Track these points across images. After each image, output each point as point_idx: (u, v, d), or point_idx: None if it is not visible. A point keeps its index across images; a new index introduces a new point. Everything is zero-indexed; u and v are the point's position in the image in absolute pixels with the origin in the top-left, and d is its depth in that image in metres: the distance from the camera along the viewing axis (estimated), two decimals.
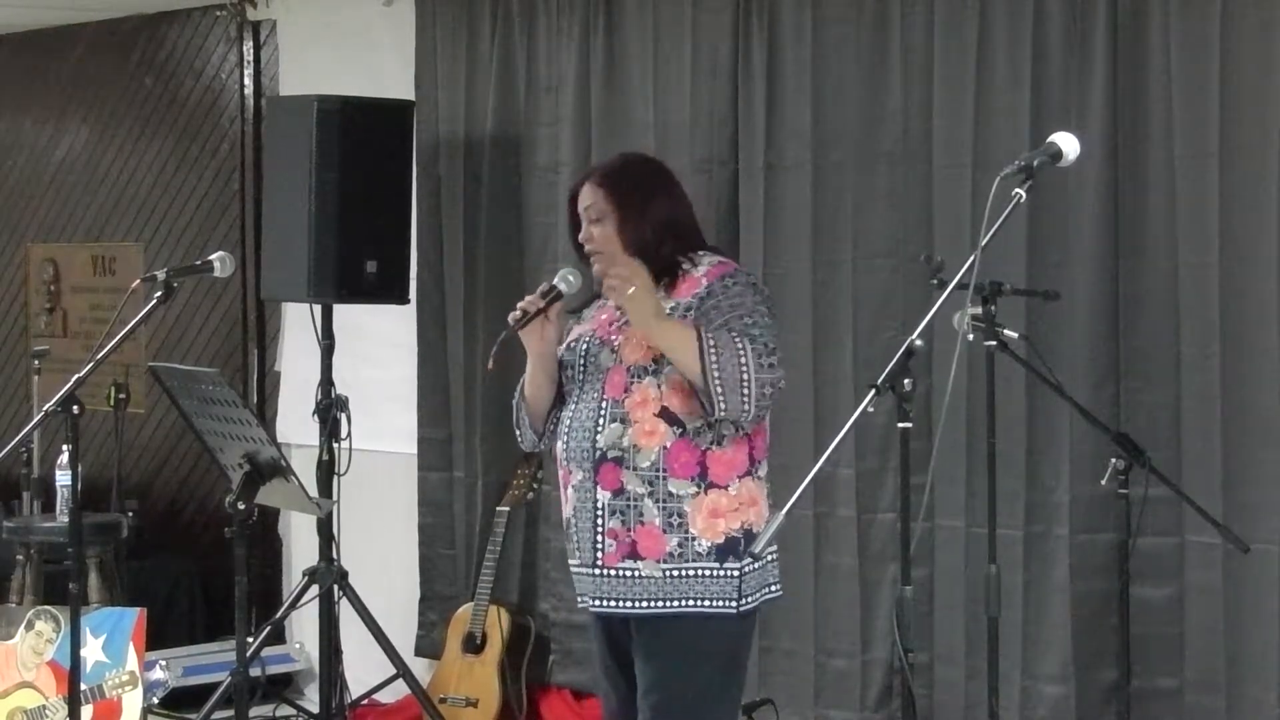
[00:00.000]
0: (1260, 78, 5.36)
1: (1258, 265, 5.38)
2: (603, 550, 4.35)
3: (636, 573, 4.34)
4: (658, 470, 4.32)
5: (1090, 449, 5.60)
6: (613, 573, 4.36)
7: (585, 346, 4.46)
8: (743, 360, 4.25)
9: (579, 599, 4.48)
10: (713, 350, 4.24)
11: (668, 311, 4.36)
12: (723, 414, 4.26)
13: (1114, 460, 5.23)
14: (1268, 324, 5.37)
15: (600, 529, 4.36)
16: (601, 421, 4.36)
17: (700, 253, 4.48)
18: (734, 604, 4.34)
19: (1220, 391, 5.44)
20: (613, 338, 4.41)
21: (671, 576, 4.33)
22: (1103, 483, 5.29)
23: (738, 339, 4.27)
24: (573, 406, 4.44)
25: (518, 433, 4.63)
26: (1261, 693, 5.41)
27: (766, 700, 6.27)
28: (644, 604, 4.34)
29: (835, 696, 6.26)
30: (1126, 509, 5.24)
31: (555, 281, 4.49)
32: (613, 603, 4.37)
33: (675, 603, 4.33)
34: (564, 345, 4.52)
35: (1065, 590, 5.72)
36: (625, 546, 4.34)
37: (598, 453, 4.35)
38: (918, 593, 5.19)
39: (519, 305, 4.46)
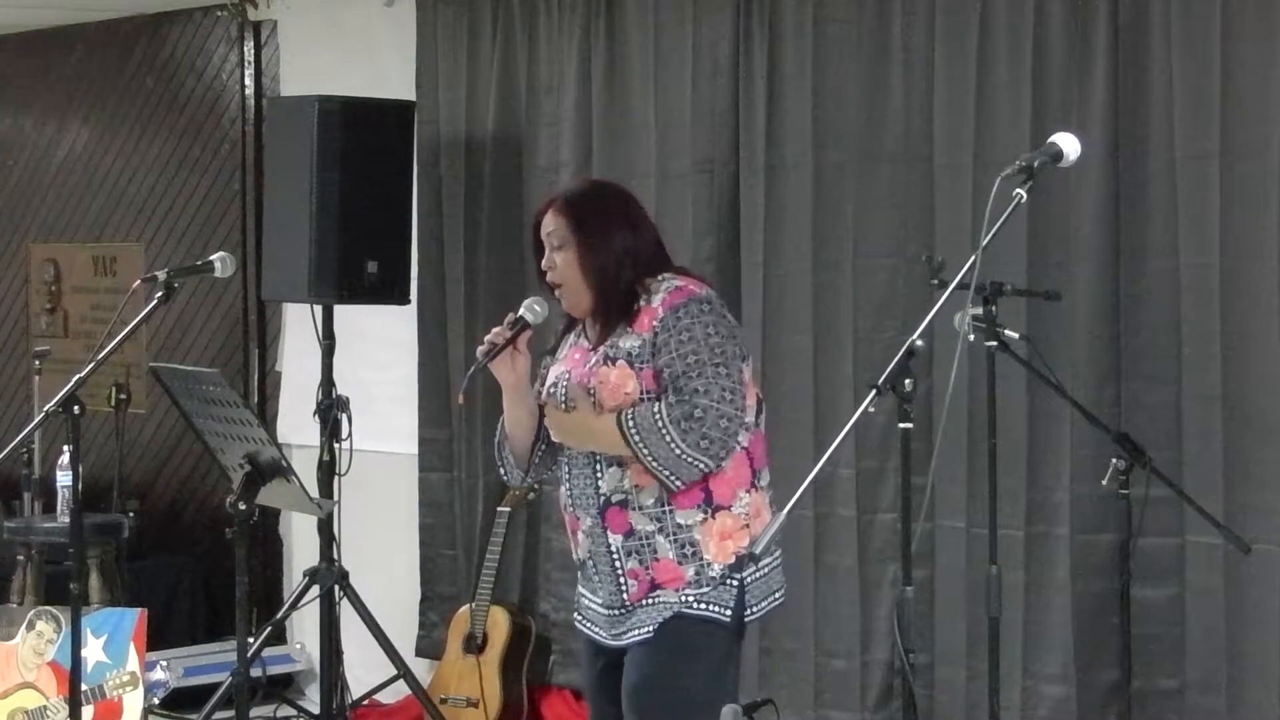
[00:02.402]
0: (1261, 78, 5.36)
1: (1258, 265, 5.38)
2: (627, 591, 4.36)
3: (659, 599, 4.34)
4: (663, 506, 4.31)
5: (1091, 449, 5.60)
6: (639, 604, 4.37)
7: (564, 390, 4.43)
8: (667, 437, 4.22)
9: (582, 623, 4.47)
10: (640, 441, 4.23)
11: (637, 348, 4.33)
12: (680, 487, 4.27)
13: (1115, 460, 5.23)
14: (1269, 324, 5.37)
15: (620, 571, 4.36)
16: (599, 468, 4.35)
17: (660, 277, 4.40)
18: (730, 611, 4.33)
19: (1221, 392, 5.44)
20: (589, 382, 4.38)
21: (687, 600, 4.33)
22: (1104, 483, 5.29)
23: (658, 413, 4.23)
24: (568, 453, 4.43)
25: (501, 471, 4.60)
26: (1263, 693, 5.41)
27: (767, 700, 6.26)
28: (658, 625, 4.35)
29: (836, 697, 6.26)
30: (1127, 509, 5.24)
31: (521, 312, 4.45)
32: (640, 631, 4.37)
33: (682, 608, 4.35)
34: (544, 388, 4.49)
35: (1066, 590, 5.72)
36: (646, 584, 4.34)
37: (602, 499, 4.34)
38: (918, 593, 5.20)
39: (486, 338, 4.44)
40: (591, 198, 4.54)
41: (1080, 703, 5.70)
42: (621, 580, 4.35)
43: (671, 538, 4.31)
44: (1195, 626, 5.53)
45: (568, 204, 4.46)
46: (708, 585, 4.31)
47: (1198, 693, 5.53)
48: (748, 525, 4.34)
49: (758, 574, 4.37)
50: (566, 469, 4.43)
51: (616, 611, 4.39)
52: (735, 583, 4.33)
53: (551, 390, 4.45)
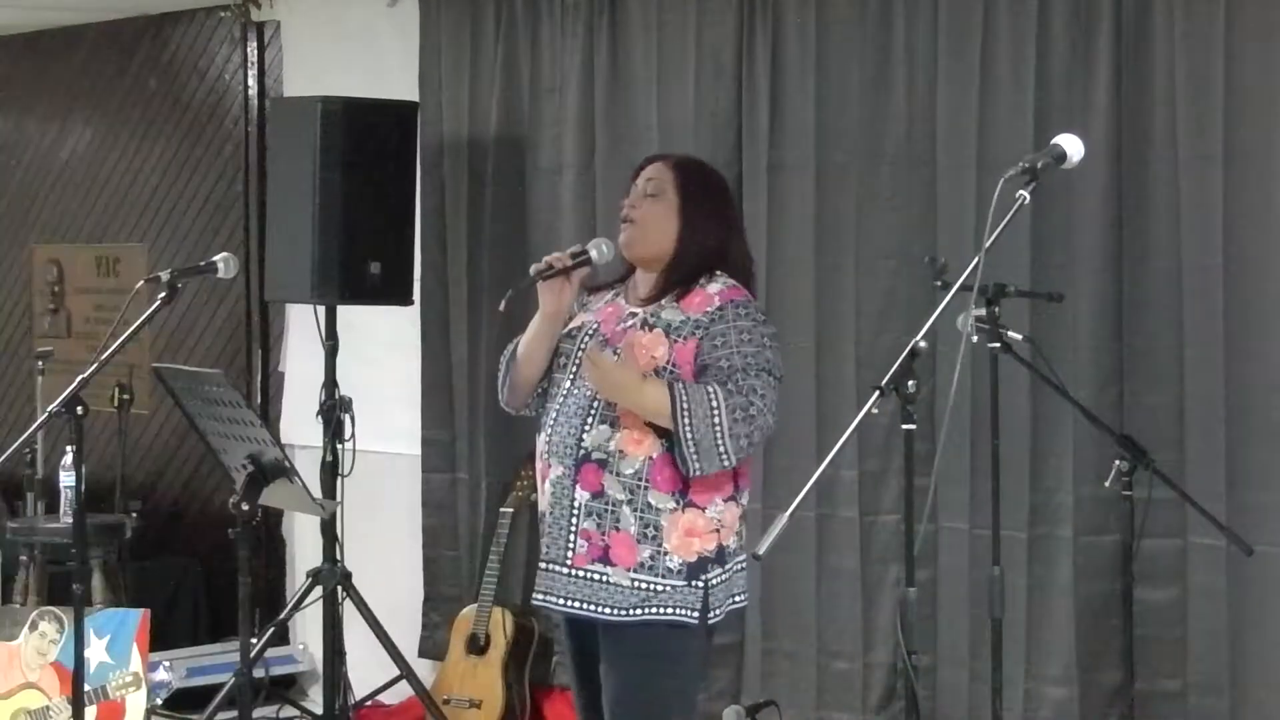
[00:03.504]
0: (1264, 79, 5.37)
1: (1261, 266, 5.39)
2: (573, 550, 4.34)
3: (605, 578, 4.32)
4: (640, 480, 4.30)
5: (1094, 451, 5.60)
6: (581, 574, 4.34)
7: (587, 339, 4.43)
8: (716, 420, 4.22)
9: (538, 596, 4.44)
10: (685, 414, 4.22)
11: (679, 322, 4.35)
12: (697, 473, 4.26)
13: (1117, 462, 5.23)
14: (1271, 325, 5.37)
15: (574, 528, 4.34)
16: (590, 420, 4.33)
17: (719, 273, 4.44)
18: (697, 615, 4.33)
19: (1223, 393, 5.44)
20: (619, 341, 4.38)
21: (639, 587, 4.31)
22: (1106, 484, 5.29)
23: (712, 394, 4.23)
24: (560, 399, 4.40)
25: (501, 393, 4.59)
26: (1265, 694, 5.41)
27: (770, 702, 6.27)
28: (608, 610, 4.32)
29: (838, 698, 6.25)
30: (1130, 511, 5.24)
31: (588, 246, 4.45)
32: (578, 604, 4.35)
33: (640, 611, 4.32)
34: (565, 328, 4.49)
35: (1069, 592, 5.72)
36: (597, 550, 4.32)
37: (581, 451, 4.32)
38: (921, 594, 5.19)
39: (546, 259, 4.43)
40: (706, 170, 4.60)
41: (1083, 704, 5.70)
42: (571, 538, 4.33)
43: (638, 514, 4.29)
44: (1198, 628, 5.53)
45: (682, 163, 4.52)
46: (663, 574, 4.30)
47: (1200, 694, 5.53)
48: (717, 532, 4.34)
49: (723, 576, 4.37)
50: (553, 417, 4.39)
51: (558, 568, 4.37)
52: (700, 585, 4.33)
53: (572, 333, 4.44)
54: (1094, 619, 5.68)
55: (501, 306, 4.42)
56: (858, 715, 6.21)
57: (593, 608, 4.33)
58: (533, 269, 4.42)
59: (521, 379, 4.51)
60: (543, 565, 4.43)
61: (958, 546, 5.93)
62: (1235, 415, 5.43)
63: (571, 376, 4.41)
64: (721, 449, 4.23)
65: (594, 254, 4.44)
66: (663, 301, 4.39)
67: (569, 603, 4.37)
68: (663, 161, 4.51)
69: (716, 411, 4.22)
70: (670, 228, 4.42)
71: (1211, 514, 5.27)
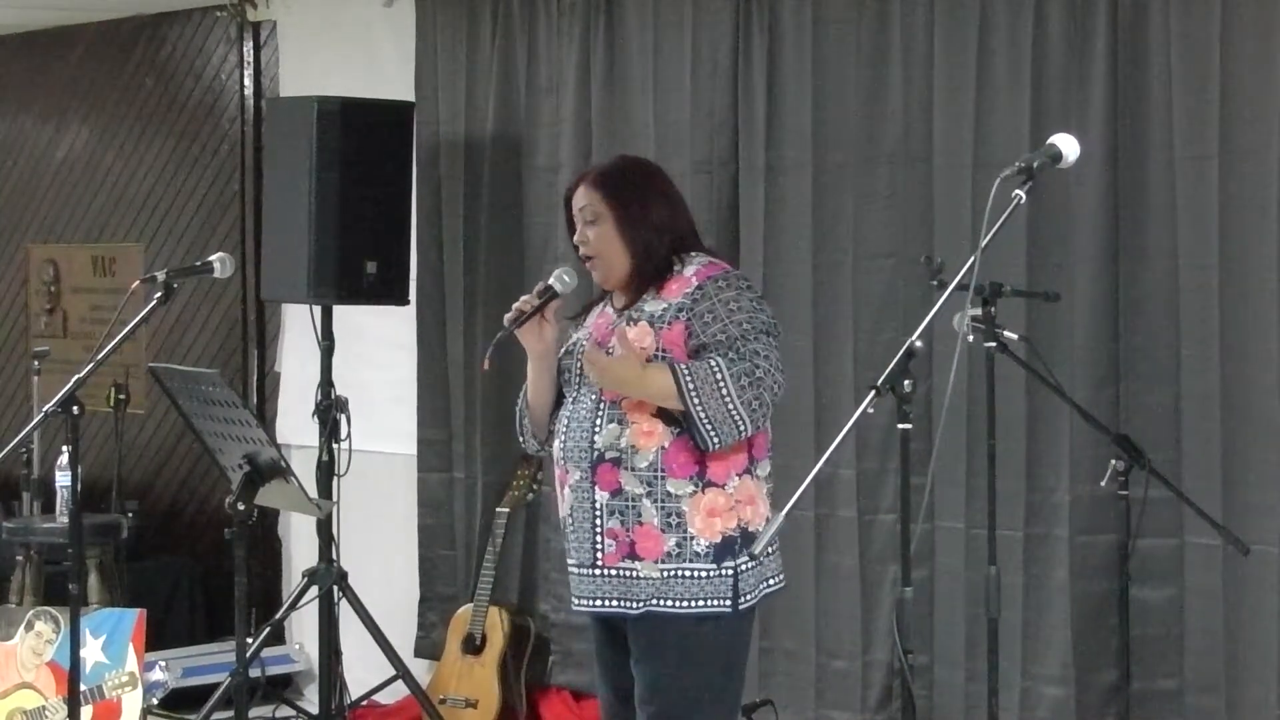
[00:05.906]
0: (1261, 79, 5.36)
1: (1258, 267, 5.38)
2: (602, 550, 4.35)
3: (635, 573, 4.33)
4: (656, 470, 4.31)
5: (1090, 450, 5.60)
6: (613, 572, 4.36)
7: (583, 349, 4.45)
8: (724, 391, 4.24)
9: (575, 601, 4.47)
10: (693, 393, 4.24)
11: (660, 310, 4.37)
12: (716, 447, 4.27)
13: (1114, 461, 5.23)
14: (1268, 326, 5.37)
15: (599, 529, 4.35)
16: (599, 422, 4.35)
17: (692, 254, 4.47)
18: (729, 603, 4.33)
19: (1220, 393, 5.44)
20: (609, 341, 4.40)
21: (668, 577, 4.32)
22: (1102, 484, 5.29)
23: (715, 367, 4.25)
24: (570, 406, 4.44)
25: (520, 439, 4.64)
26: (1261, 693, 5.41)
27: (766, 701, 6.26)
28: (640, 604, 4.34)
29: (835, 697, 6.26)
30: (1126, 510, 5.24)
31: (551, 281, 4.49)
32: (613, 602, 4.37)
33: (670, 602, 4.32)
34: (563, 349, 4.52)
35: (1065, 591, 5.72)
36: (624, 547, 4.34)
37: (595, 453, 4.35)
38: (918, 594, 5.19)
39: (515, 305, 4.46)
40: (624, 171, 4.58)
41: (1079, 703, 5.70)
42: (599, 539, 4.35)
43: (659, 505, 4.31)
44: (1194, 627, 5.53)
45: (601, 178, 4.51)
46: (690, 559, 4.30)
47: (1196, 693, 5.53)
48: (736, 506, 4.34)
49: (751, 562, 4.37)
50: (565, 423, 4.43)
51: (588, 571, 4.39)
52: (729, 572, 4.34)
53: (570, 349, 4.48)
54: (1090, 618, 5.68)
55: (484, 366, 4.51)
56: (856, 715, 6.21)
57: (627, 604, 4.34)
58: (505, 319, 4.46)
59: (538, 417, 4.57)
60: (572, 569, 4.45)
61: (954, 546, 5.94)
62: (1231, 415, 5.44)
63: (577, 386, 4.44)
64: (736, 417, 4.25)
65: (558, 286, 4.47)
66: (645, 297, 4.42)
67: (603, 602, 4.38)
68: (582, 186, 4.51)
69: (722, 383, 4.24)
70: (619, 244, 4.44)
71: (1208, 513, 5.27)
